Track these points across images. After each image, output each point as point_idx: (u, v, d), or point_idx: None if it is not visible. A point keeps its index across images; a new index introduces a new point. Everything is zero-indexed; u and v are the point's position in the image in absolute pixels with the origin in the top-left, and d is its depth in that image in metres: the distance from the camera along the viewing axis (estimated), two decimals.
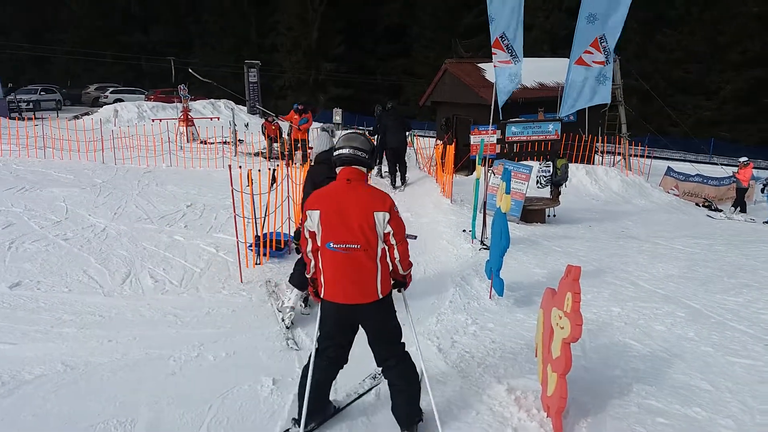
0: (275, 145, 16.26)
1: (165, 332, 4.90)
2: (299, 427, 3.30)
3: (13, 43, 38.98)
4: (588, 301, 5.71)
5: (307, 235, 3.29)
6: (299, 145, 14.48)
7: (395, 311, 3.37)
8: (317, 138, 5.24)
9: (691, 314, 5.48)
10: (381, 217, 3.16)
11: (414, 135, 18.27)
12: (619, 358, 4.51)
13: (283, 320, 5.05)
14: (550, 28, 36.59)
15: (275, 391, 3.94)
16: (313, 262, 3.36)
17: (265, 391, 3.93)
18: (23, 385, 3.88)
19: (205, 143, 17.72)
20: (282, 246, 7.15)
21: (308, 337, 4.86)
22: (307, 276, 3.47)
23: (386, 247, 3.26)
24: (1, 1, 44.41)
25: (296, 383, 3.59)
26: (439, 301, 5.81)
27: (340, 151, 3.28)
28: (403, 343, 3.41)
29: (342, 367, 3.46)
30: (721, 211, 13.70)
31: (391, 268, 3.34)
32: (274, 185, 7.14)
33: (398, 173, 12.35)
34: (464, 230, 8.36)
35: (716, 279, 6.75)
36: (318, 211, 3.19)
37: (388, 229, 3.20)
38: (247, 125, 21.60)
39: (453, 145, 12.98)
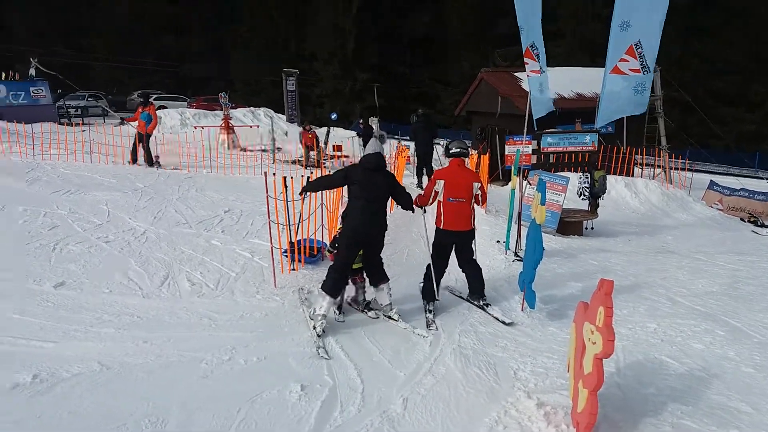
0: (312, 153, 16.48)
1: (199, 335, 5.00)
2: (432, 305, 5.73)
3: (56, 48, 39.74)
4: (624, 316, 5.59)
5: (433, 193, 5.67)
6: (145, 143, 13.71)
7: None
8: (370, 144, 5.65)
9: (731, 333, 5.31)
10: (476, 185, 5.70)
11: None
12: (655, 375, 4.39)
13: (314, 328, 5.08)
14: (589, 37, 36.02)
15: (303, 397, 3.97)
16: (430, 204, 5.77)
17: (294, 397, 3.97)
18: (61, 383, 4.00)
19: (245, 150, 18.07)
20: (315, 253, 7.22)
21: (338, 345, 4.89)
22: (422, 207, 5.77)
23: (474, 201, 5.72)
24: (37, 8, 45.17)
25: (324, 390, 4.12)
26: (470, 312, 5.77)
27: (454, 149, 5.77)
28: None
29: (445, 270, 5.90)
30: (767, 227, 13.21)
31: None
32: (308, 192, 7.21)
33: (425, 177, 13.12)
34: (498, 241, 8.29)
35: (760, 297, 6.51)
36: (443, 180, 5.64)
37: (479, 191, 5.74)
38: (286, 134, 21.98)
39: (487, 155, 12.92)
